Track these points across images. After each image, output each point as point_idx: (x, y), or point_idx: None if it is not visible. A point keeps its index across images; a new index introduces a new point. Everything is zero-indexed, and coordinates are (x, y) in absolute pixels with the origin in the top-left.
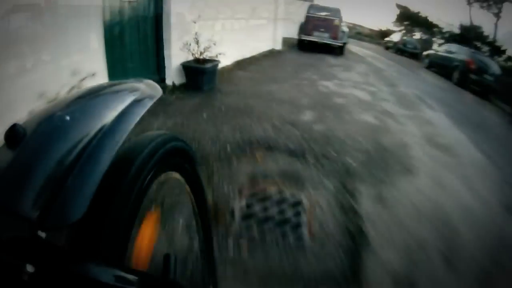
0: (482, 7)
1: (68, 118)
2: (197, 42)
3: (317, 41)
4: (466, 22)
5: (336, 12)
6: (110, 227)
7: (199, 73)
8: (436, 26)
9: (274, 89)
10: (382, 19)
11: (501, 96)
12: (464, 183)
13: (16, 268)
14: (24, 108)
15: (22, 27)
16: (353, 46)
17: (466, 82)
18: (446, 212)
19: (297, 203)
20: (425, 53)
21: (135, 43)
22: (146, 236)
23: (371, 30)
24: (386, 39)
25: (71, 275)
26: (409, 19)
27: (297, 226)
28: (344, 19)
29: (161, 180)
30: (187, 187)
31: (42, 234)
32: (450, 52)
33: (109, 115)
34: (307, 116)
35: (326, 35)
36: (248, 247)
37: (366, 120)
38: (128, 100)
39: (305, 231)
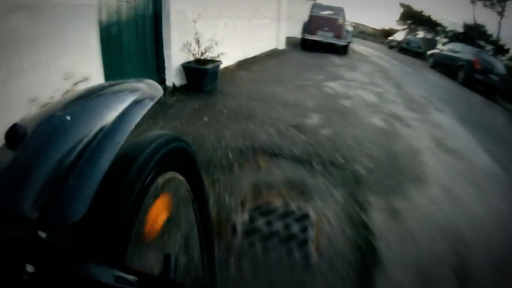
0: (485, 5)
1: (68, 118)
2: (198, 42)
3: (320, 41)
4: (470, 20)
5: (339, 11)
6: (110, 227)
7: (200, 74)
8: (439, 25)
9: (278, 90)
10: (385, 18)
11: (507, 96)
12: (477, 192)
13: (16, 268)
14: (13, 115)
15: (9, 29)
16: (357, 45)
17: (472, 82)
18: (459, 226)
19: (304, 217)
20: (429, 52)
21: (134, 43)
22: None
23: (373, 29)
24: (390, 38)
25: (71, 275)
26: (412, 17)
27: (304, 242)
28: (346, 18)
29: (162, 180)
30: (188, 187)
31: (42, 234)
32: (455, 51)
33: (110, 115)
34: (313, 119)
35: (330, 34)
36: (250, 266)
37: (374, 123)
38: (129, 100)
39: (312, 248)
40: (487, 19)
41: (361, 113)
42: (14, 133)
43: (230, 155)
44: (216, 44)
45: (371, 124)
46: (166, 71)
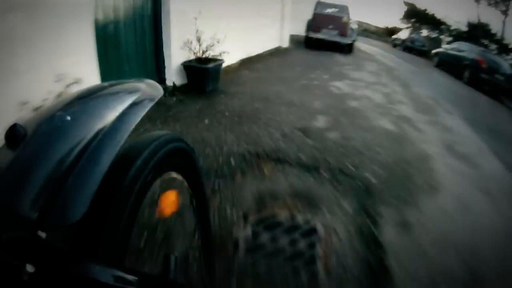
0: (489, 4)
1: (68, 118)
2: (199, 40)
3: (325, 39)
4: (474, 19)
5: (344, 8)
6: (109, 227)
7: (201, 73)
8: (443, 23)
9: (283, 90)
10: (388, 16)
11: None
12: (490, 202)
13: (16, 268)
14: (2, 120)
15: None
16: (361, 44)
17: (477, 81)
18: (473, 239)
19: (311, 231)
20: (434, 51)
21: (132, 42)
22: None
23: (377, 27)
24: (394, 36)
25: (71, 275)
26: (416, 16)
27: (311, 260)
28: (350, 16)
29: (161, 180)
30: (187, 187)
31: (42, 234)
32: (460, 50)
33: (110, 115)
34: (320, 122)
35: (335, 32)
36: (254, 287)
37: (384, 126)
38: (129, 100)
39: (320, 266)
40: (491, 18)
41: (369, 114)
42: (14, 133)
43: (232, 161)
44: (218, 42)
45: (380, 127)
46: (166, 71)
